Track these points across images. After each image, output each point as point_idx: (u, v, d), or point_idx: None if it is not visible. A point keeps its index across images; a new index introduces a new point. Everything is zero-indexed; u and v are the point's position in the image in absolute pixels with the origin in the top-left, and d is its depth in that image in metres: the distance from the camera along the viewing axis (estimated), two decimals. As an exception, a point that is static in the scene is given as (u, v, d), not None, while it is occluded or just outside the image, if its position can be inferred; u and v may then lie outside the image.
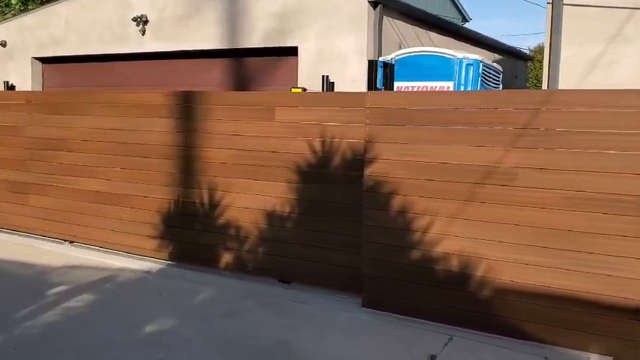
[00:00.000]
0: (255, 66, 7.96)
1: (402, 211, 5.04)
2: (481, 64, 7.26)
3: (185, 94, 6.45)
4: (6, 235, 7.76)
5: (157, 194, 6.59)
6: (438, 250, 4.90)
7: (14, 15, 11.37)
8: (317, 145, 5.59)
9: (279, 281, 5.96)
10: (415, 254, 5.02)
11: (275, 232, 5.90)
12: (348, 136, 5.41)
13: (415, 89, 6.89)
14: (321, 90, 7.30)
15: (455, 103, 4.79)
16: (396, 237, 5.09)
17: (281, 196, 5.83)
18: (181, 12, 8.20)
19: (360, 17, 7.17)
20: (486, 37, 13.39)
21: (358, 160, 5.36)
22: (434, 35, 9.56)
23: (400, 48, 7.86)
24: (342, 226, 5.52)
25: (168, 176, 6.50)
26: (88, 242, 7.19)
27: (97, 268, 6.48)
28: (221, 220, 6.21)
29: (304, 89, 7.03)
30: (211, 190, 6.24)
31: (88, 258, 6.82)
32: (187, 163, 6.38)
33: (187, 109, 6.35)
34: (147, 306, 5.41)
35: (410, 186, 4.99)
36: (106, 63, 9.29)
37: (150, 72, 8.83)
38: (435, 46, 8.07)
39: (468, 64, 7.18)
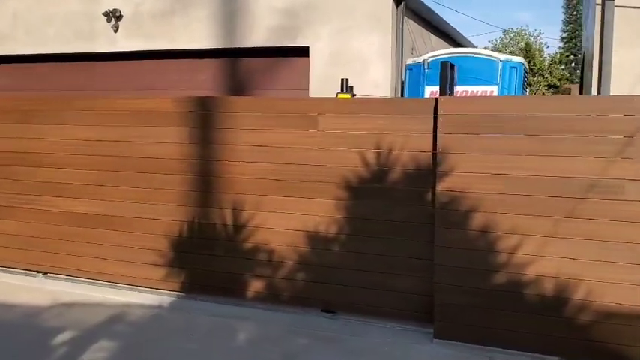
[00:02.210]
0: (254, 68, 7.19)
1: (484, 230, 4.54)
2: (523, 66, 6.94)
3: (201, 100, 5.61)
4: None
5: (165, 215, 5.68)
6: (529, 272, 4.44)
7: None
8: (371, 158, 4.98)
9: (322, 311, 5.28)
10: (500, 278, 4.53)
11: (317, 255, 5.22)
12: (411, 146, 4.84)
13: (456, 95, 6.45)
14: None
15: (553, 109, 4.36)
16: (477, 259, 4.58)
17: (325, 215, 5.16)
18: (162, 7, 7.25)
19: (383, 16, 6.62)
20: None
21: (423, 174, 4.81)
22: (433, 38, 9.22)
23: (412, 50, 7.41)
24: (402, 248, 4.94)
25: (179, 194, 5.62)
26: (70, 273, 6.12)
27: (96, 305, 5.48)
28: (248, 244, 5.42)
29: (353, 94, 6.37)
30: (236, 210, 5.45)
31: (79, 293, 5.78)
32: (205, 179, 5.54)
33: (205, 117, 5.52)
34: (186, 352, 4.55)
35: (493, 202, 4.50)
36: (66, 64, 8.09)
37: (123, 74, 7.78)
38: (434, 49, 7.71)
39: (511, 67, 6.84)
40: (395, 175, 4.92)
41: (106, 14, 7.57)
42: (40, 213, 6.16)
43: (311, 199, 5.19)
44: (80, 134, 5.93)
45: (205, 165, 5.53)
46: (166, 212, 5.67)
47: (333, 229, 5.16)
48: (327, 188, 5.14)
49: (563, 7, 43.55)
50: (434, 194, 4.74)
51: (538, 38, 43.65)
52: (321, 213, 5.17)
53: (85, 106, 5.96)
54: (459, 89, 6.52)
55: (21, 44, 8.25)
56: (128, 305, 5.47)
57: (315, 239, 5.22)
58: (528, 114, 4.40)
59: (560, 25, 45.19)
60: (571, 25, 43.54)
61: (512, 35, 44.15)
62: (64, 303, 5.50)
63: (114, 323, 5.04)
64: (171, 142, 5.60)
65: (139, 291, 5.79)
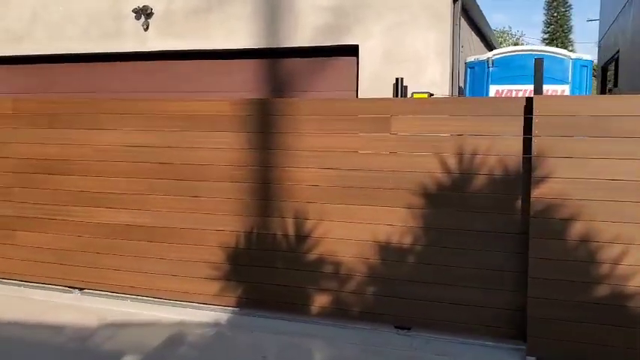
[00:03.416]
0: (297, 68, 6.79)
1: (584, 240, 4.22)
2: (592, 64, 6.62)
3: (261, 103, 5.24)
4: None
5: (220, 226, 5.29)
6: (633, 284, 4.13)
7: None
8: (451, 162, 4.64)
9: (395, 327, 4.93)
10: (601, 290, 4.22)
11: (390, 268, 4.86)
12: (497, 150, 4.51)
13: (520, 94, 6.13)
14: (392, 96, 6.30)
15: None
16: (576, 270, 4.26)
17: (398, 225, 4.81)
18: (197, 4, 6.81)
19: (442, 10, 6.27)
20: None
21: (512, 180, 4.48)
22: (474, 37, 8.88)
23: (462, 48, 7.08)
24: (487, 260, 4.60)
25: (235, 203, 5.23)
26: (109, 289, 5.69)
27: (149, 325, 5.07)
28: (312, 255, 5.06)
29: (430, 94, 5.99)
30: (298, 219, 5.07)
31: (124, 311, 5.36)
32: (263, 186, 5.16)
33: (264, 120, 5.13)
34: (263, 377, 4.17)
35: (596, 210, 4.18)
36: (90, 64, 7.60)
37: (153, 75, 7.33)
38: (476, 49, 7.39)
39: (582, 65, 6.52)
40: (478, 181, 4.58)
41: (136, 11, 7.11)
42: (75, 224, 5.73)
43: (382, 208, 4.84)
44: (121, 139, 5.52)
45: (264, 172, 5.15)
46: (221, 222, 5.28)
47: (406, 240, 4.81)
48: (400, 195, 4.79)
49: (544, 8, 43.57)
50: (524, 201, 4.41)
51: (520, 40, 43.62)
52: (393, 222, 4.82)
53: (125, 109, 5.54)
54: (527, 89, 6.22)
55: (41, 44, 7.75)
56: (183, 324, 5.07)
57: (386, 250, 4.86)
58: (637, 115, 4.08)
59: (541, 27, 45.22)
60: (552, 27, 43.60)
61: (496, 36, 44.09)
62: (113, 323, 5.07)
63: (176, 345, 4.64)
64: (226, 148, 5.21)
65: (192, 307, 5.40)
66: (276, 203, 5.12)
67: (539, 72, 4.15)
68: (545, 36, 44.52)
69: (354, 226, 4.92)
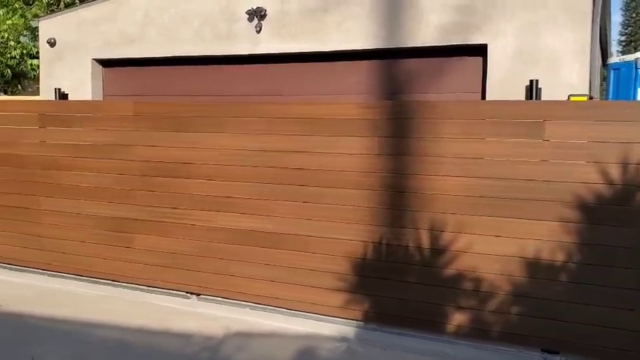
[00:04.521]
0: (415, 69, 6.50)
1: None
2: None
3: (393, 105, 4.97)
4: (98, 286, 5.98)
5: (346, 235, 5.03)
6: None
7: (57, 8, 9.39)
8: (614, 173, 4.20)
9: (542, 351, 4.52)
10: None
11: (538, 286, 4.46)
12: (671, 160, 4.03)
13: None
14: (524, 99, 5.91)
15: None
16: None
17: (549, 240, 4.40)
18: (313, 4, 6.62)
19: (582, 9, 5.82)
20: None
21: (688, 193, 3.99)
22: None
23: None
24: (654, 281, 4.12)
25: (364, 212, 4.96)
26: (228, 295, 5.54)
27: (275, 336, 4.88)
28: (450, 270, 4.71)
29: (591, 97, 5.61)
30: (434, 231, 4.74)
31: (245, 319, 5.19)
32: (395, 195, 4.86)
33: (398, 124, 4.84)
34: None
35: None
36: (198, 67, 7.58)
37: (264, 77, 7.20)
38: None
39: None
40: (646, 194, 4.12)
41: (249, 13, 6.99)
42: (194, 229, 5.62)
43: (530, 220, 4.44)
44: (243, 143, 5.35)
45: (396, 179, 4.85)
46: (347, 231, 5.02)
47: (557, 256, 4.40)
48: (552, 208, 4.38)
49: (622, 9, 41.56)
50: None
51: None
52: (543, 237, 4.41)
53: (249, 113, 5.38)
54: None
55: (153, 46, 7.78)
56: (310, 337, 4.84)
57: (535, 267, 4.46)
58: None
59: (618, 28, 43.08)
60: (630, 28, 41.50)
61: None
62: (238, 333, 4.90)
63: (307, 360, 4.41)
64: (355, 153, 4.95)
65: (314, 319, 5.16)
66: (409, 213, 4.81)
67: None
68: (623, 37, 42.45)
69: (499, 240, 4.55)
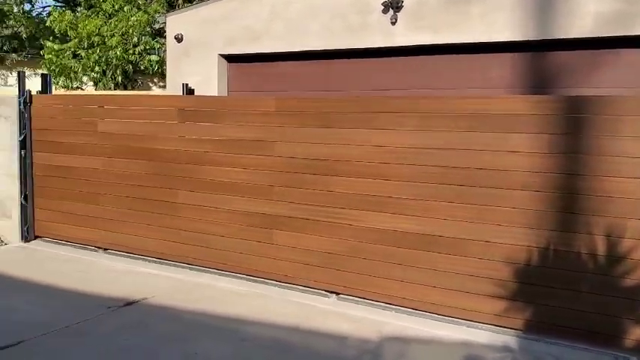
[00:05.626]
0: (567, 61, 6.11)
1: None
2: None
3: (568, 100, 4.62)
4: (241, 282, 5.98)
5: (507, 239, 4.74)
6: None
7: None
8: None
9: None
10: None
11: None
12: None
13: None
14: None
15: None
16: None
17: None
18: (455, -4, 6.34)
19: None
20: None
21: None
22: None
23: None
24: None
25: (528, 215, 4.66)
26: (370, 297, 5.38)
27: (433, 343, 4.67)
28: (631, 280, 4.33)
29: None
30: (612, 237, 4.37)
31: (394, 323, 5.00)
32: (567, 197, 4.52)
33: (570, 120, 4.50)
34: None
35: None
36: (324, 61, 7.48)
37: (398, 71, 7.00)
38: None
39: None
40: None
41: (385, 4, 6.78)
42: (340, 227, 5.47)
43: None
44: (395, 140, 5.16)
45: (568, 180, 4.51)
46: (509, 235, 4.73)
47: None
48: None
49: None
50: None
51: None
52: None
53: (400, 108, 5.17)
54: None
55: (277, 41, 7.74)
56: (468, 344, 4.60)
57: None
58: None
59: None
60: None
61: None
62: (394, 337, 4.73)
63: (474, 371, 4.17)
64: (521, 151, 4.65)
65: (466, 325, 4.92)
66: (583, 217, 4.46)
67: None
68: None
69: (689, 250, 4.13)
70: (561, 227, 4.54)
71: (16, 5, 16.91)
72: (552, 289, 4.59)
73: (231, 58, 8.42)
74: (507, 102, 4.76)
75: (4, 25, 17.84)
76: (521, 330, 4.74)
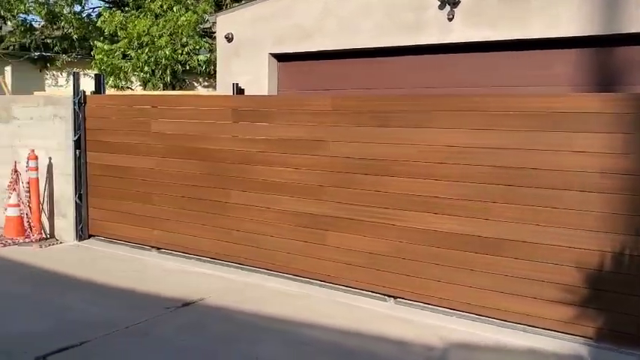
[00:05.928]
0: (630, 57, 5.82)
1: None
2: None
3: (645, 98, 4.38)
4: (288, 282, 5.91)
5: (575, 242, 4.54)
6: None
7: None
8: None
9: None
10: None
11: None
12: None
13: None
14: None
15: None
16: None
17: None
18: (516, -10, 6.12)
19: None
20: None
21: None
22: None
23: None
24: None
25: (598, 218, 4.44)
26: (429, 301, 5.24)
27: (498, 351, 4.50)
28: None
29: None
30: (692, 243, 4.12)
31: (456, 329, 4.85)
32: (641, 199, 4.29)
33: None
34: None
35: None
36: (376, 59, 7.35)
37: (452, 68, 6.81)
38: None
39: None
40: None
41: (442, 0, 6.62)
42: (393, 229, 5.36)
43: None
44: (455, 139, 5.00)
45: (643, 182, 4.28)
46: (578, 238, 4.52)
47: None
48: None
49: None
50: None
51: None
52: None
53: (460, 106, 5.01)
54: None
55: (329, 39, 7.64)
56: (537, 352, 4.43)
57: None
58: None
59: None
60: None
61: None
62: (458, 344, 4.58)
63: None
64: (593, 152, 4.44)
65: (532, 332, 4.74)
66: (660, 221, 4.23)
67: None
68: None
69: None
70: (635, 231, 4.31)
71: (67, 6, 17.24)
72: (629, 297, 4.37)
73: (281, 57, 8.37)
74: (578, 100, 4.58)
75: (55, 27, 18.23)
76: (591, 338, 4.53)
